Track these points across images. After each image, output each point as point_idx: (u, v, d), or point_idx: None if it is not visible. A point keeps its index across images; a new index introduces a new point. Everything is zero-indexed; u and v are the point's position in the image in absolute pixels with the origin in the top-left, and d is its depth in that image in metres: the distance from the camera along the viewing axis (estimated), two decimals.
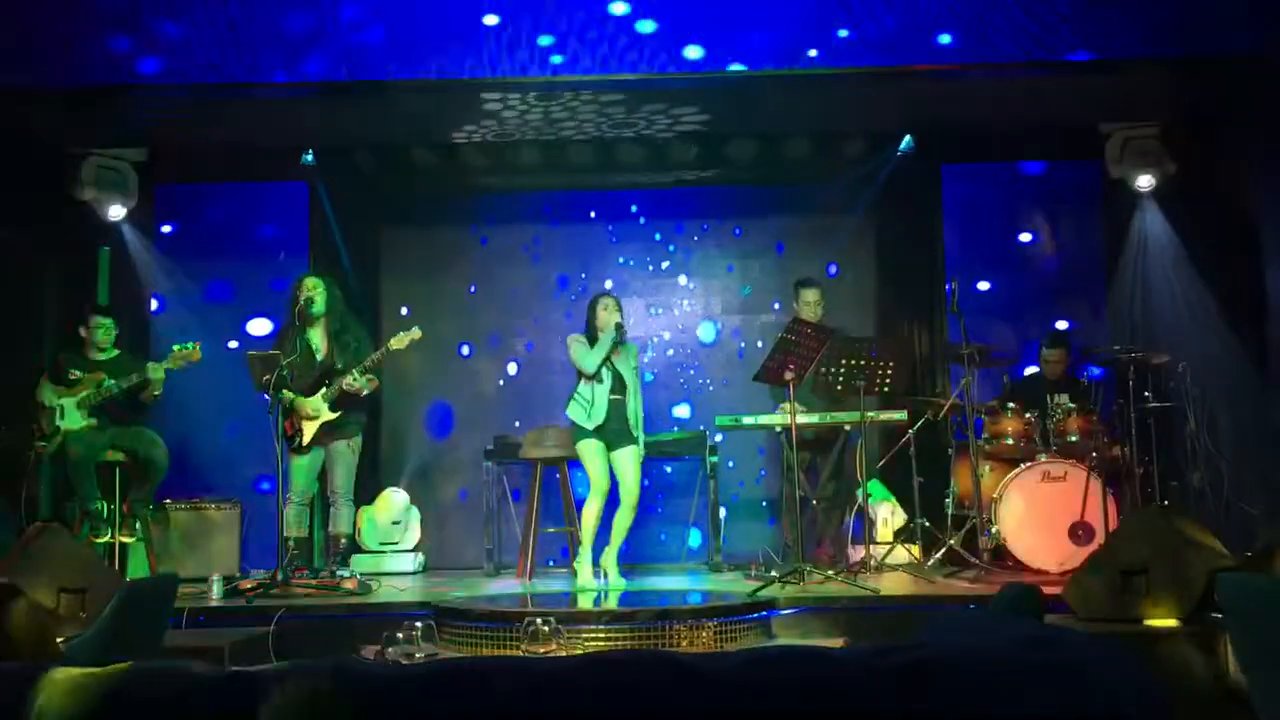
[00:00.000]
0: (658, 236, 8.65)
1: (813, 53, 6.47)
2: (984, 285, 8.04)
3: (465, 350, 8.50)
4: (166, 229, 8.21)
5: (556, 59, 6.48)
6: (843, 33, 6.45)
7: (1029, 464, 6.61)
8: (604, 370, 6.41)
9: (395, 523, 7.61)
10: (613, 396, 6.41)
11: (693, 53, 6.47)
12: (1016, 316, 7.97)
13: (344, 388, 6.50)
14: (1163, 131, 7.58)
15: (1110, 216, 8.03)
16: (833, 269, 8.44)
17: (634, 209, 8.70)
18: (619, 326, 6.40)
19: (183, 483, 7.36)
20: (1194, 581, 4.50)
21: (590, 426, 6.36)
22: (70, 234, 7.72)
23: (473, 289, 8.55)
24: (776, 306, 8.42)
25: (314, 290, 6.67)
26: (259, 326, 8.02)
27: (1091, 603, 4.79)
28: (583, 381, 6.44)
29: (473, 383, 8.49)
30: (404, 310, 8.30)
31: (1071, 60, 6.47)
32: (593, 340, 6.47)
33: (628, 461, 6.42)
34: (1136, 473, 6.58)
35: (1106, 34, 6.35)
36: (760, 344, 8.09)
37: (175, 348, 6.71)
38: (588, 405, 6.38)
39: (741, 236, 8.63)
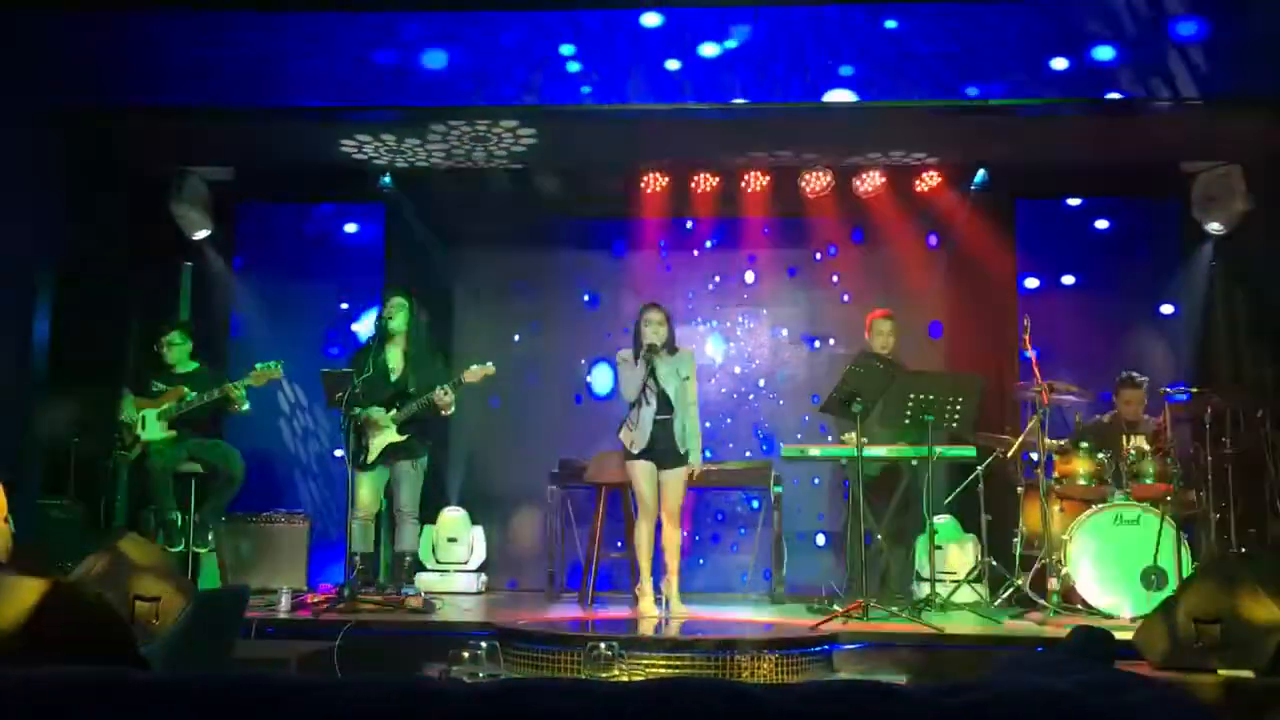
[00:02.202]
0: (728, 266, 8.67)
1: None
2: (1058, 326, 7.96)
3: (533, 373, 8.56)
4: (247, 247, 8.42)
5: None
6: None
7: (1101, 505, 6.49)
8: (647, 392, 6.24)
9: (451, 540, 7.67)
10: (659, 417, 6.23)
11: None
12: (1090, 357, 7.85)
13: (431, 400, 6.54)
14: (1244, 172, 7.45)
15: (1188, 256, 7.92)
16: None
17: (704, 237, 8.73)
18: (651, 348, 6.20)
19: (255, 496, 7.50)
20: (1270, 633, 4.40)
21: (636, 451, 6.26)
22: (155, 250, 7.94)
23: (542, 313, 8.62)
24: (846, 339, 8.36)
25: (396, 309, 6.74)
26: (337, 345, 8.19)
27: (1163, 650, 4.69)
28: (629, 404, 6.32)
29: (540, 406, 8.54)
30: (476, 337, 8.40)
31: (1152, 99, 6.41)
32: (639, 355, 6.31)
33: (675, 481, 6.31)
34: (1213, 519, 6.43)
35: (1187, 74, 6.27)
36: (828, 375, 8.05)
37: (257, 366, 6.87)
38: (633, 429, 6.26)
39: (812, 266, 8.62)
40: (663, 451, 6.28)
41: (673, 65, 6.55)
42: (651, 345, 6.21)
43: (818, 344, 8.54)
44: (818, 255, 8.59)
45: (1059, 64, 6.38)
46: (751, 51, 6.53)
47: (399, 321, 6.73)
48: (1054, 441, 6.88)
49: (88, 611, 2.99)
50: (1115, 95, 6.36)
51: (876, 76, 6.51)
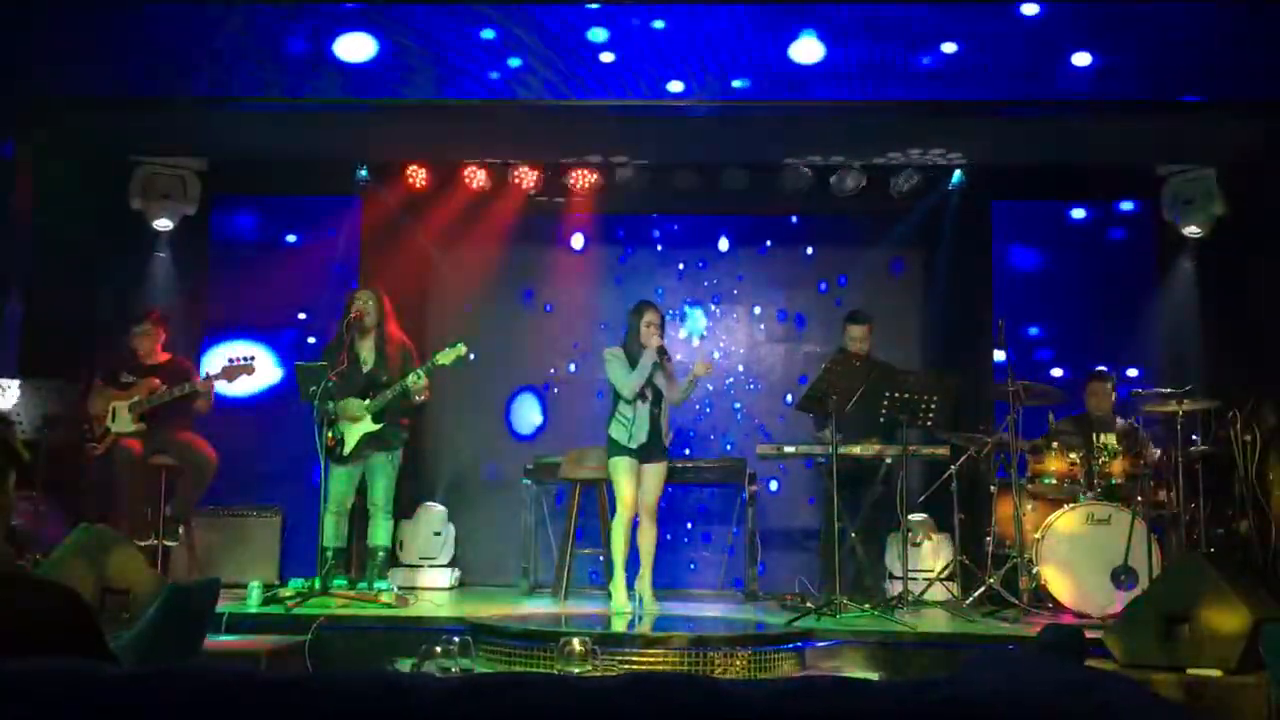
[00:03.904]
0: (707, 263, 8.67)
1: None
2: (1032, 327, 8.02)
3: (508, 369, 8.52)
4: (220, 239, 8.35)
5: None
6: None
7: (1073, 505, 6.53)
8: (644, 389, 6.29)
9: (437, 534, 7.66)
10: (653, 411, 6.32)
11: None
12: (1066, 356, 7.91)
13: (406, 387, 6.52)
14: (1219, 175, 7.51)
15: (1163, 257, 7.98)
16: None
17: (683, 234, 8.73)
18: (662, 351, 6.29)
19: (226, 489, 7.44)
20: (1239, 631, 4.44)
21: (633, 446, 6.27)
22: (129, 240, 7.86)
23: (518, 309, 8.59)
24: (823, 336, 8.38)
25: (364, 303, 6.73)
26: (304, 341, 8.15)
27: (1133, 649, 4.73)
28: (624, 401, 6.34)
29: (514, 401, 8.51)
30: (450, 329, 8.36)
31: (1129, 101, 6.45)
32: (630, 353, 6.34)
33: (655, 476, 6.36)
34: (1183, 518, 6.48)
35: (1164, 77, 6.31)
36: (805, 373, 8.08)
37: (230, 360, 6.80)
38: (629, 424, 6.26)
39: (790, 266, 8.63)
40: (650, 447, 6.32)
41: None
42: (663, 349, 6.28)
43: (796, 324, 8.55)
44: (792, 233, 8.61)
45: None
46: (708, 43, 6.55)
47: (370, 317, 6.71)
48: (1027, 441, 6.92)
49: (56, 605, 2.96)
50: (1091, 97, 6.39)
51: (859, 75, 6.53)
